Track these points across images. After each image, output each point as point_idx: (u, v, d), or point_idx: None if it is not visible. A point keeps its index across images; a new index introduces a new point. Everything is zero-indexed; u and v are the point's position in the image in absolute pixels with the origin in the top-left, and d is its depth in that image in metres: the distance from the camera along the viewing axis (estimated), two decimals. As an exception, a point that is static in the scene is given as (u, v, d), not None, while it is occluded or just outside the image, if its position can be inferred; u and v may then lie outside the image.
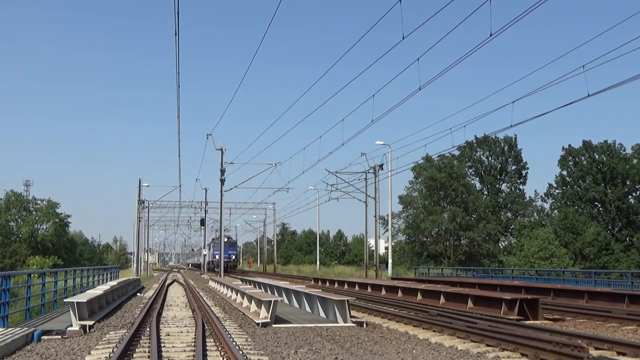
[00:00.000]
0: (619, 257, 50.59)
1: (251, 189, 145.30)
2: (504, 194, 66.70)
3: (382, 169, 40.30)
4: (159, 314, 15.79)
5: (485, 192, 66.53)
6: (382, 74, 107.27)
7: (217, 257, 56.14)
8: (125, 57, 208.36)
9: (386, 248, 64.86)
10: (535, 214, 64.74)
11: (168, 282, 37.83)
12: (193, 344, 10.29)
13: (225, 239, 61.54)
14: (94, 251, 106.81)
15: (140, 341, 10.70)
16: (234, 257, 71.00)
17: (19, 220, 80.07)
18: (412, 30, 15.08)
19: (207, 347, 9.85)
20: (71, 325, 12.71)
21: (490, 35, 13.96)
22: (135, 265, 56.28)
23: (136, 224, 55.88)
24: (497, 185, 67.31)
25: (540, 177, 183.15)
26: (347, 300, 13.98)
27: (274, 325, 13.13)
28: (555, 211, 62.02)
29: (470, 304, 17.03)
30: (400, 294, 22.25)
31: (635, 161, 58.08)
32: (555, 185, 62.99)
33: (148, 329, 12.14)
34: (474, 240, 58.52)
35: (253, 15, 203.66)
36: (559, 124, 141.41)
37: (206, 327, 12.32)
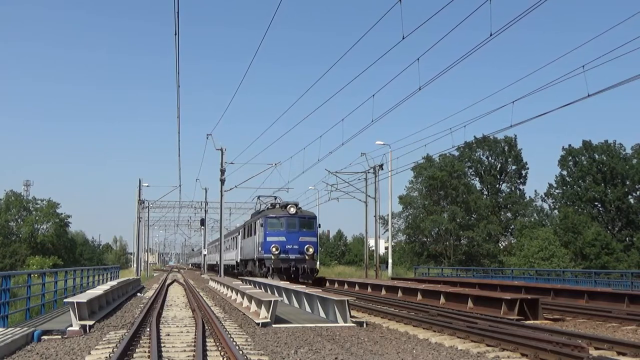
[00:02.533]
0: (619, 257, 50.63)
1: (251, 189, 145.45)
2: (504, 194, 66.74)
3: (382, 169, 40.27)
4: (159, 314, 15.79)
5: (485, 192, 66.56)
6: (382, 74, 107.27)
7: (273, 249, 31.06)
8: (125, 57, 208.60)
9: (386, 248, 64.88)
10: (535, 214, 64.79)
11: (168, 282, 37.83)
12: (193, 343, 10.29)
13: (292, 209, 32.43)
14: (94, 251, 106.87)
15: (140, 341, 10.69)
16: (312, 250, 31.98)
17: (19, 220, 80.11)
18: (412, 30, 15.04)
19: (207, 347, 9.85)
20: (71, 325, 12.70)
21: (490, 35, 13.96)
22: (135, 265, 56.27)
23: (136, 224, 55.90)
24: (497, 185, 67.35)
25: (540, 177, 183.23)
26: (347, 300, 13.98)
27: (274, 325, 13.12)
28: (555, 211, 62.09)
29: (470, 304, 17.03)
30: (400, 294, 22.24)
31: (635, 161, 58.15)
32: (555, 185, 63.08)
33: (148, 329, 12.13)
34: (473, 240, 58.56)
35: (253, 15, 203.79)
36: (559, 124, 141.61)
37: (206, 327, 12.32)
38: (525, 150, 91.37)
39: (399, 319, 14.75)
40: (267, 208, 35.67)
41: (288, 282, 24.96)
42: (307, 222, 32.80)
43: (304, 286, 22.56)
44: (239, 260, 42.54)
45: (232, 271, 45.93)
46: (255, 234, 34.42)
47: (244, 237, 39.64)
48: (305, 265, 30.71)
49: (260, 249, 32.64)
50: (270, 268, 30.79)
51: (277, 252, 30.83)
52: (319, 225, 33.63)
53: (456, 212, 57.93)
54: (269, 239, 31.58)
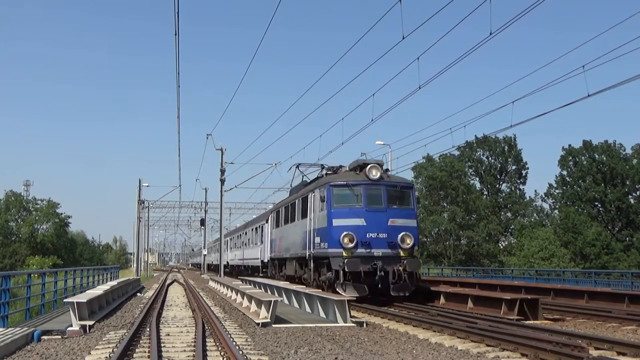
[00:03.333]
0: (619, 257, 50.65)
1: (251, 189, 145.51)
2: (504, 194, 66.77)
3: (382, 169, 40.08)
4: (159, 314, 15.79)
5: (485, 192, 66.59)
6: (382, 73, 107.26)
7: (344, 240, 18.04)
8: (125, 57, 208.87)
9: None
10: (535, 214, 64.83)
11: (168, 282, 37.84)
12: (193, 344, 10.29)
13: (375, 172, 19.01)
14: (94, 251, 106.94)
15: (140, 341, 10.69)
16: (410, 241, 18.40)
17: (19, 220, 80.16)
18: (412, 30, 15.03)
19: (207, 347, 9.85)
20: (71, 325, 12.71)
21: (490, 34, 13.96)
22: (135, 265, 56.28)
23: (136, 224, 55.89)
24: (497, 185, 67.38)
25: (540, 177, 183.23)
26: (347, 300, 13.97)
27: (274, 325, 13.12)
28: (556, 211, 62.13)
29: (470, 304, 17.02)
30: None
31: (635, 161, 58.16)
32: (555, 185, 63.10)
33: (148, 329, 12.13)
34: (473, 240, 58.62)
35: (253, 15, 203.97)
36: (559, 124, 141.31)
37: (206, 327, 12.32)
38: (525, 150, 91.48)
39: (398, 319, 14.75)
40: (326, 174, 21.85)
41: (288, 282, 22.23)
42: (400, 193, 19.48)
43: (304, 286, 20.07)
44: (267, 259, 30.07)
45: (254, 274, 35.28)
46: (305, 216, 21.41)
47: (278, 224, 26.89)
48: (400, 267, 17.90)
49: (318, 239, 19.75)
50: (341, 272, 17.78)
51: (351, 245, 18.05)
52: (418, 198, 20.31)
53: (456, 212, 57.97)
54: (336, 222, 18.61)
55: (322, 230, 19.33)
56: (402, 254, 18.30)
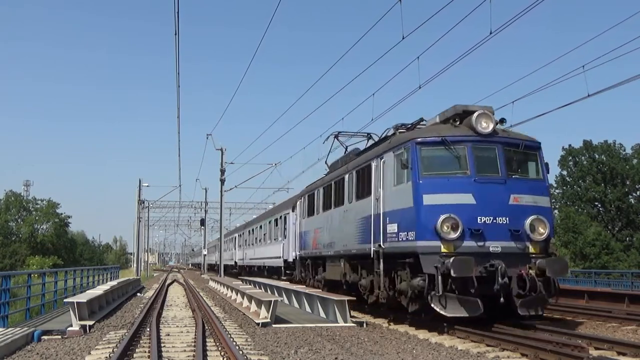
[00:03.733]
0: (619, 257, 50.64)
1: (251, 189, 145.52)
2: (504, 194, 66.74)
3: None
4: (159, 314, 15.79)
5: (485, 192, 66.52)
6: (382, 73, 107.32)
7: (442, 227, 11.45)
8: (125, 57, 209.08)
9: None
10: (535, 214, 64.73)
11: (168, 282, 37.84)
12: (193, 343, 10.29)
13: (486, 123, 12.29)
14: (94, 251, 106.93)
15: (140, 341, 10.70)
16: (544, 229, 11.94)
17: (19, 220, 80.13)
18: (412, 30, 14.98)
19: (207, 347, 9.85)
20: (71, 325, 12.71)
21: (490, 33, 13.94)
22: (135, 265, 56.28)
23: (136, 224, 55.89)
24: (497, 185, 67.35)
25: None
26: (347, 300, 13.96)
27: (274, 325, 13.12)
28: (556, 211, 62.10)
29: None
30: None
31: (635, 161, 58.16)
32: (555, 185, 63.04)
33: (148, 329, 12.14)
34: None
35: (253, 15, 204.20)
36: (559, 124, 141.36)
37: (206, 327, 12.32)
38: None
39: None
40: (398, 132, 14.60)
41: (288, 282, 21.57)
42: (524, 156, 12.99)
43: (304, 286, 19.20)
44: (293, 258, 23.86)
45: (272, 277, 29.12)
46: (365, 196, 14.83)
47: (313, 211, 20.31)
48: (531, 270, 11.81)
49: (393, 227, 13.04)
50: (438, 278, 11.35)
51: (454, 235, 11.70)
52: (547, 164, 13.20)
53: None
54: (428, 199, 12.11)
55: (403, 212, 12.64)
56: (532, 249, 12.19)
